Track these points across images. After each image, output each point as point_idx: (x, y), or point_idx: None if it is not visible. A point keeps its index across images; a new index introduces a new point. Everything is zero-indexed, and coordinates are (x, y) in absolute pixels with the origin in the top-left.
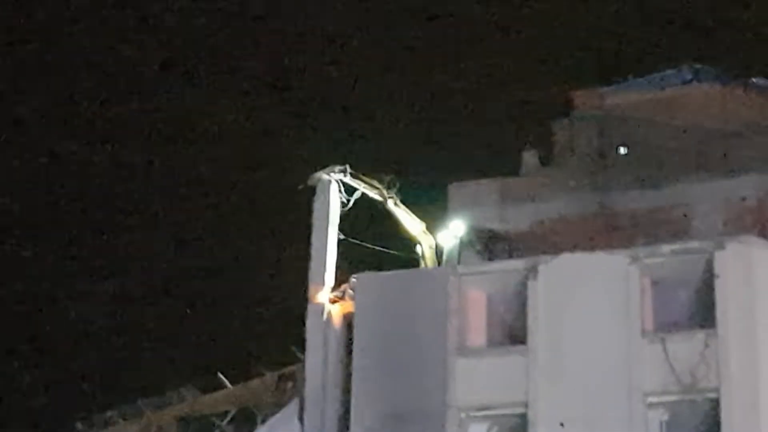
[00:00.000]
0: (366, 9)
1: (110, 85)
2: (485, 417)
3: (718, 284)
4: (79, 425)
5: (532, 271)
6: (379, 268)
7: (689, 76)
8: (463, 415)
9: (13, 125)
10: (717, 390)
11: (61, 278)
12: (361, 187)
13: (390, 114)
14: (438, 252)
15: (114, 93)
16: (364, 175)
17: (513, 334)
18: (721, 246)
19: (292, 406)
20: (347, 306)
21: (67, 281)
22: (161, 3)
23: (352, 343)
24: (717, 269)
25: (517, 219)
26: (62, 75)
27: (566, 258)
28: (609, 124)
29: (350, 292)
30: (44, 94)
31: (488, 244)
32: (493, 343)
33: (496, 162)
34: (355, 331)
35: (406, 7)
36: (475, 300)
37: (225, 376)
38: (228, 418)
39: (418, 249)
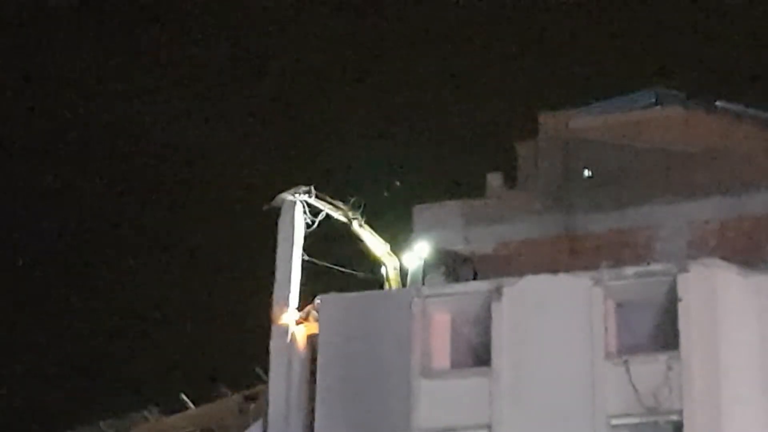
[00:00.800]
0: (331, 28)
1: (69, 98)
2: None
3: (682, 307)
4: None
5: (497, 293)
6: (344, 290)
7: (653, 100)
8: None
9: None
10: (680, 412)
11: (25, 295)
12: (326, 208)
13: (355, 135)
14: (402, 273)
15: (73, 107)
16: (328, 196)
17: (477, 355)
18: (684, 269)
19: (256, 428)
20: (311, 327)
21: (31, 300)
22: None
23: (316, 365)
24: (680, 292)
25: (482, 241)
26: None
27: (530, 280)
28: (573, 146)
29: (314, 313)
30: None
31: (453, 265)
32: (457, 365)
33: (460, 184)
34: (319, 352)
35: (371, 26)
36: (440, 322)
37: (188, 398)
38: None
39: (383, 270)
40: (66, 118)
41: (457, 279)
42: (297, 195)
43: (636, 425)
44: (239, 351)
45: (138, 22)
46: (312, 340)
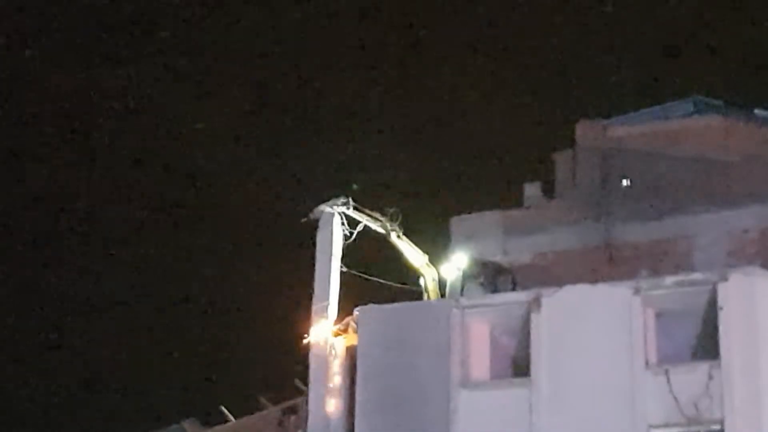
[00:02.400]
0: (368, 39)
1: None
2: None
3: (722, 316)
4: None
5: (535, 303)
6: (382, 301)
7: (691, 108)
8: None
9: None
10: (721, 422)
11: (64, 307)
12: (364, 220)
13: (393, 146)
14: (441, 284)
15: (107, 119)
16: (367, 207)
17: (516, 366)
18: (724, 278)
19: None
20: (350, 339)
21: (71, 311)
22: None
23: (355, 376)
24: (720, 301)
25: (520, 251)
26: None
27: (569, 290)
28: (611, 156)
29: (353, 324)
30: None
31: (491, 276)
32: (496, 376)
33: (498, 194)
34: (358, 364)
35: (408, 37)
36: (478, 332)
37: (228, 410)
38: None
39: (421, 281)
40: (98, 135)
41: (495, 290)
42: (335, 207)
43: None
44: (279, 363)
45: (159, 32)
46: (351, 351)
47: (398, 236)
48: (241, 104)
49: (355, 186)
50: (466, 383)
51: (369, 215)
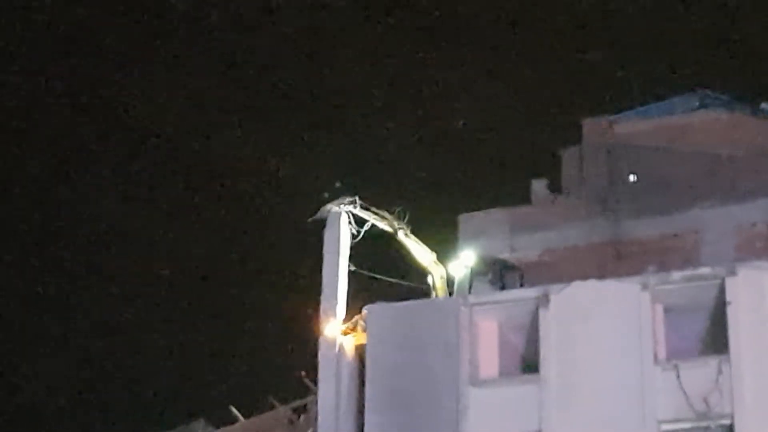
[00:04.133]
0: (377, 38)
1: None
2: None
3: (730, 310)
4: None
5: (544, 300)
6: (391, 299)
7: (697, 103)
8: None
9: None
10: (731, 416)
11: (72, 306)
12: (372, 219)
13: (400, 145)
14: (449, 282)
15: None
16: (374, 206)
17: (525, 363)
18: (732, 272)
19: None
20: (359, 337)
21: (78, 310)
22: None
23: (364, 375)
24: (729, 295)
25: (528, 248)
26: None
27: (577, 286)
28: (618, 152)
29: (362, 323)
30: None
31: (499, 273)
32: (505, 373)
33: (505, 191)
34: (367, 362)
35: (417, 36)
36: (487, 330)
37: (237, 410)
38: None
39: (429, 279)
40: (118, 136)
41: (503, 287)
42: (342, 206)
43: (687, 430)
44: (288, 363)
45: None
46: (360, 350)
47: (406, 234)
48: (249, 101)
49: (338, 184)
50: (475, 381)
51: (376, 214)
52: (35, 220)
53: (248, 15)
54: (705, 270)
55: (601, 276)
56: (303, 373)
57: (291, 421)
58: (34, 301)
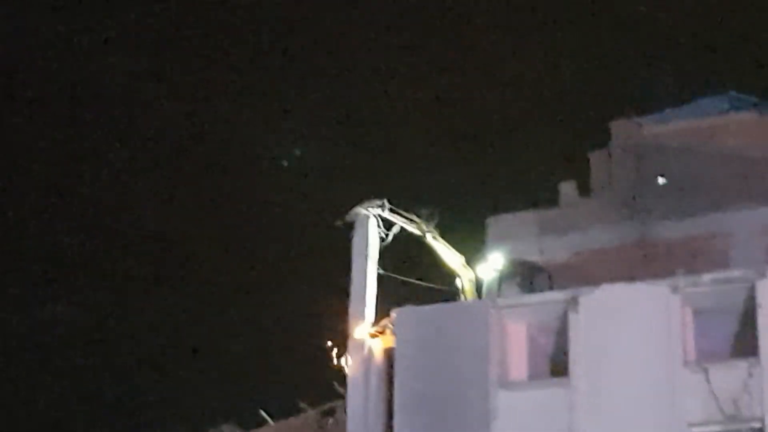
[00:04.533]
0: (404, 46)
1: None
2: None
3: (761, 313)
4: None
5: (573, 302)
6: (419, 302)
7: (726, 105)
8: None
9: None
10: (761, 419)
11: (102, 311)
12: (400, 222)
13: (427, 148)
14: (478, 285)
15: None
16: (402, 209)
17: (554, 366)
18: (762, 274)
19: None
20: (388, 340)
21: (109, 314)
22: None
23: (393, 378)
24: (759, 298)
25: (556, 250)
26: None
27: (606, 289)
28: (646, 154)
29: (391, 326)
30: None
31: (528, 276)
32: (534, 376)
33: (534, 194)
34: (395, 365)
35: (444, 40)
36: (516, 332)
37: (266, 413)
38: None
39: (458, 282)
40: (147, 136)
41: (532, 289)
42: (370, 209)
43: None
44: (317, 366)
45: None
46: (389, 353)
47: (434, 237)
48: (278, 104)
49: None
50: (505, 383)
51: (405, 217)
52: (45, 216)
53: (280, 13)
54: (735, 272)
55: (630, 278)
56: (338, 366)
57: (320, 425)
58: (65, 304)
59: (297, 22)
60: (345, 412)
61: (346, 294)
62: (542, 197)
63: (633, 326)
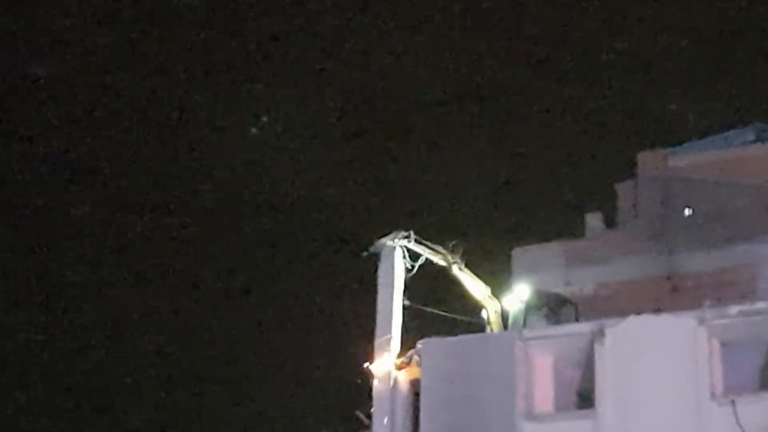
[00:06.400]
0: (429, 75)
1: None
2: None
3: None
4: None
5: (599, 334)
6: (445, 334)
7: (752, 136)
8: None
9: None
10: None
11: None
12: (426, 253)
13: (453, 179)
14: (503, 316)
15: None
16: (427, 240)
17: (580, 398)
18: None
19: None
20: (413, 372)
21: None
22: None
23: (419, 409)
24: None
25: (583, 282)
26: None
27: (633, 321)
28: (673, 185)
29: (416, 357)
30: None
31: (554, 307)
32: (560, 408)
33: (560, 225)
34: (421, 396)
35: (466, 71)
36: (542, 364)
37: None
38: None
39: (484, 314)
40: (164, 162)
41: (558, 321)
42: (396, 240)
43: None
44: (342, 397)
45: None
46: (414, 384)
47: (460, 268)
48: (301, 133)
49: None
50: (530, 415)
51: (430, 248)
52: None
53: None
54: (762, 304)
55: (657, 310)
56: (359, 413)
57: None
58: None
59: (317, 33)
60: None
61: (371, 325)
62: (569, 228)
63: (660, 358)
